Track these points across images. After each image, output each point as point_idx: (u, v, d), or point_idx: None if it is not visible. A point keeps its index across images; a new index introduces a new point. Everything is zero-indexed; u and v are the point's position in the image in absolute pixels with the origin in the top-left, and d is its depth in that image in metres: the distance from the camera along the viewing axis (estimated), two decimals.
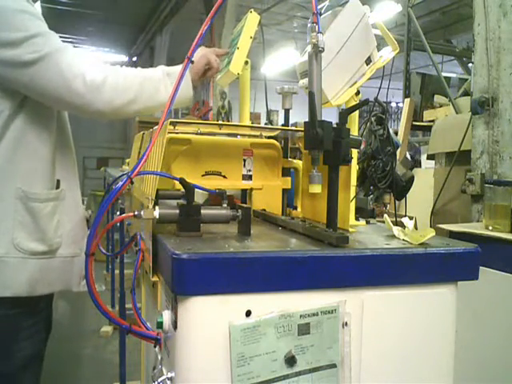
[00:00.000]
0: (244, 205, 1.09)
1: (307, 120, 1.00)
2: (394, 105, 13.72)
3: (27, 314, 1.36)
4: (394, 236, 1.08)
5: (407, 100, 4.59)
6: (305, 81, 1.20)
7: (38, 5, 1.44)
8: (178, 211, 0.99)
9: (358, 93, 1.23)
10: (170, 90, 1.31)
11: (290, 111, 1.51)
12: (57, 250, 1.39)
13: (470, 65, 5.54)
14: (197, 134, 1.33)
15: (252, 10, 1.40)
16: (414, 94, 4.72)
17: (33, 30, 1.23)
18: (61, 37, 1.30)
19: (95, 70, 1.26)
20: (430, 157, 3.22)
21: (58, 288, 1.42)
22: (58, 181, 1.41)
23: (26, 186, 1.31)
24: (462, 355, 1.15)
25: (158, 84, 1.33)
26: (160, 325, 0.90)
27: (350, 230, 1.12)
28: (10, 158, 1.30)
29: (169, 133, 1.20)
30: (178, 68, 1.38)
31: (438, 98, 4.65)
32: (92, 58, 1.32)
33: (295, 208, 1.43)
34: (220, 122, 6.55)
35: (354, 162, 1.21)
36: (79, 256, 1.46)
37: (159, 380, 0.90)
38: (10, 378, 1.36)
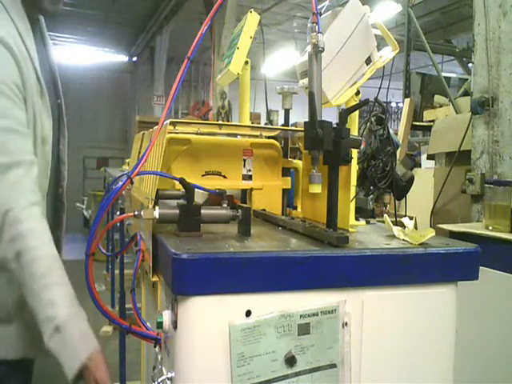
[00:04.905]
0: (244, 205, 1.09)
1: (307, 120, 1.00)
2: (393, 105, 13.72)
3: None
4: (394, 236, 1.08)
5: (407, 100, 4.59)
6: (305, 81, 1.20)
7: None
8: (178, 211, 0.99)
9: (358, 93, 1.23)
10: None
11: (290, 111, 1.51)
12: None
13: (469, 65, 5.54)
14: (197, 134, 1.33)
15: (252, 9, 1.39)
16: (414, 94, 4.71)
17: None
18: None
19: (26, 215, 1.09)
20: (430, 157, 3.22)
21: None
22: None
23: None
24: (462, 355, 1.15)
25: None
26: (160, 325, 0.90)
27: (350, 229, 1.12)
28: None
29: (169, 133, 1.20)
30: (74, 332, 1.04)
31: (438, 98, 4.65)
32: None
33: (295, 208, 1.43)
34: (220, 122, 6.55)
35: (354, 161, 1.21)
36: None
37: (159, 380, 0.90)
38: None
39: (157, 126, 1.09)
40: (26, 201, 1.10)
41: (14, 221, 1.07)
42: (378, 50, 1.26)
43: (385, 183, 1.39)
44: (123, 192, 1.07)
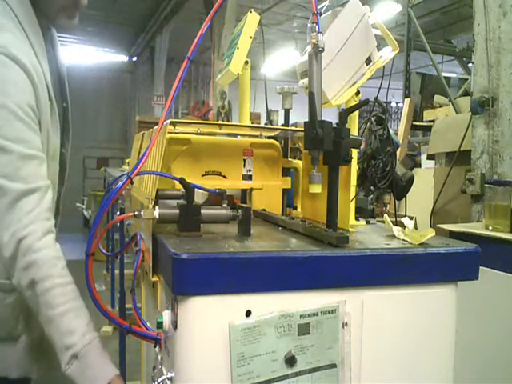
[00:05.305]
0: (244, 205, 1.09)
1: (307, 120, 1.00)
2: (393, 105, 13.73)
3: None
4: (394, 236, 1.08)
5: (407, 100, 4.59)
6: (305, 81, 1.20)
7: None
8: (178, 211, 0.99)
9: (358, 93, 1.23)
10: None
11: (290, 111, 1.51)
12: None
13: (470, 65, 5.54)
14: (197, 134, 1.33)
15: (252, 10, 1.39)
16: (414, 94, 4.72)
17: (10, 138, 1.08)
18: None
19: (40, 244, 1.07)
20: (430, 157, 3.22)
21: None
22: None
23: None
24: (462, 355, 1.15)
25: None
26: (160, 325, 0.90)
27: (350, 229, 1.12)
28: None
29: (169, 133, 1.20)
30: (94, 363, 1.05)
31: (438, 98, 4.65)
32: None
33: (295, 208, 1.43)
34: (220, 121, 6.55)
35: (354, 161, 1.21)
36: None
37: (159, 380, 0.90)
38: None
39: (157, 126, 1.09)
40: (40, 229, 1.09)
41: (27, 250, 1.06)
42: (378, 50, 1.26)
43: (385, 183, 1.39)
44: (123, 192, 1.07)
